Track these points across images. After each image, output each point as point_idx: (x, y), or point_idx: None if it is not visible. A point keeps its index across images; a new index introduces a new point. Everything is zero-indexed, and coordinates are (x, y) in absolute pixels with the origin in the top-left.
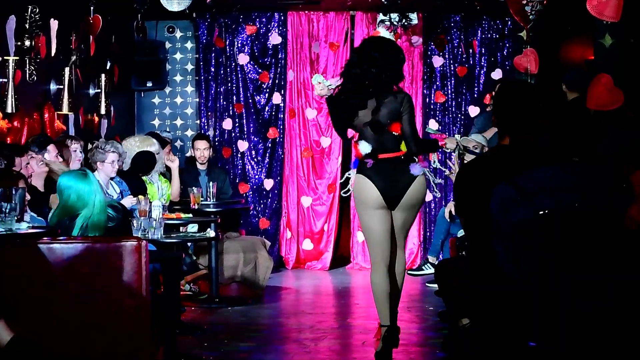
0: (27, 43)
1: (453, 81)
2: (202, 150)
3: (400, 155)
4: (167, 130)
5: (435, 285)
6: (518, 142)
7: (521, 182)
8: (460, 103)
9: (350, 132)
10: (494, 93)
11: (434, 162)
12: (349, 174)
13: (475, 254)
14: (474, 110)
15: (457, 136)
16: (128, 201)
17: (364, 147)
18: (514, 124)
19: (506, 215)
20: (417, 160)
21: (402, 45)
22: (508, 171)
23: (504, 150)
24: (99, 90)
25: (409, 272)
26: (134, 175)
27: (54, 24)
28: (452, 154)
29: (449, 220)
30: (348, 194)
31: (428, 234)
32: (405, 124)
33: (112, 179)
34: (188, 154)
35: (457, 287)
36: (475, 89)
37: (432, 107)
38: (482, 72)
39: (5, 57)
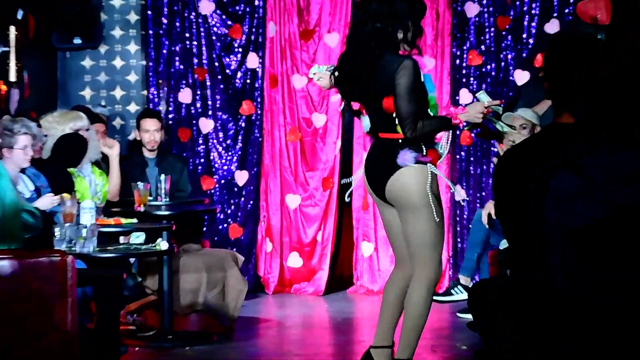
0: None
1: (493, 36)
2: (151, 133)
3: (398, 139)
4: (102, 103)
5: (469, 316)
6: (581, 119)
7: (591, 169)
8: (503, 66)
9: (357, 105)
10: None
11: (441, 147)
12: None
13: (524, 271)
14: (521, 77)
15: (483, 95)
16: (47, 201)
17: (364, 123)
18: (571, 97)
19: (568, 213)
20: (412, 148)
21: None
22: (568, 158)
23: (561, 130)
24: (7, 49)
25: (434, 297)
26: (56, 166)
27: None
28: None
29: (487, 226)
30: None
31: (459, 245)
32: (396, 98)
33: (23, 170)
34: (131, 137)
35: (498, 317)
36: (524, 46)
37: (464, 71)
38: (532, 23)
39: None
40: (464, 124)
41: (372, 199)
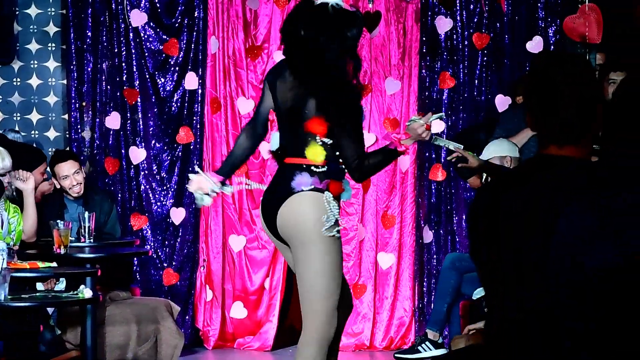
0: None
1: (467, 55)
2: (71, 178)
3: (303, 164)
4: (16, 129)
5: None
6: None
7: (612, 205)
8: (481, 90)
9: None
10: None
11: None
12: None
13: (508, 331)
14: (502, 102)
15: (433, 116)
16: None
17: (273, 141)
18: (559, 126)
19: (580, 257)
20: (306, 171)
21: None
22: (569, 194)
23: (551, 163)
24: None
25: (396, 354)
26: None
27: None
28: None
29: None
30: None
31: (426, 295)
32: (340, 134)
33: None
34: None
35: None
36: (504, 68)
37: (434, 95)
38: (514, 41)
39: None
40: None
41: (270, 239)
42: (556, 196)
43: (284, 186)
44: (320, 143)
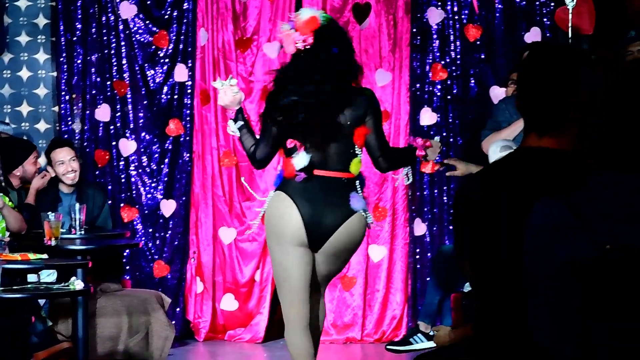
0: None
1: (459, 47)
2: (67, 163)
3: (343, 178)
4: (7, 121)
5: None
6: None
7: (581, 202)
8: (472, 82)
9: (291, 142)
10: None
11: (407, 178)
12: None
13: (491, 323)
14: (496, 94)
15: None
16: None
17: (301, 160)
18: (546, 113)
19: (550, 251)
20: (359, 189)
21: None
22: (540, 187)
23: (533, 156)
24: None
25: (388, 346)
26: None
27: None
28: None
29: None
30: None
31: (418, 286)
32: (372, 130)
33: None
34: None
35: None
36: (498, 59)
37: (425, 88)
38: (508, 33)
39: None
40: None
41: (287, 238)
42: (531, 190)
43: (338, 203)
44: (359, 153)
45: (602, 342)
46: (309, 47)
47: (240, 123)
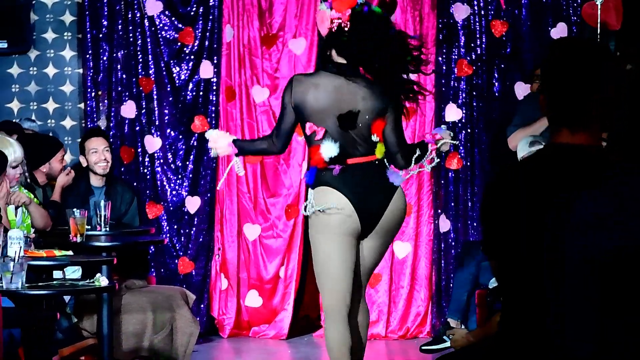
0: None
1: (485, 43)
2: (100, 152)
3: (374, 160)
4: (33, 118)
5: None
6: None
7: (625, 195)
8: (500, 78)
9: (310, 128)
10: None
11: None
12: (310, 202)
13: (516, 320)
14: (523, 90)
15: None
16: None
17: (329, 149)
18: (576, 109)
19: (594, 243)
20: (388, 165)
21: None
22: (578, 183)
23: (566, 153)
24: None
25: (423, 346)
26: None
27: None
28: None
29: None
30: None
31: (443, 282)
32: (392, 125)
33: None
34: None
35: None
36: (524, 55)
37: (452, 84)
38: (534, 28)
39: None
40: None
41: (334, 228)
42: (572, 185)
43: (380, 184)
44: (378, 141)
45: (618, 338)
46: (345, 26)
47: (237, 155)
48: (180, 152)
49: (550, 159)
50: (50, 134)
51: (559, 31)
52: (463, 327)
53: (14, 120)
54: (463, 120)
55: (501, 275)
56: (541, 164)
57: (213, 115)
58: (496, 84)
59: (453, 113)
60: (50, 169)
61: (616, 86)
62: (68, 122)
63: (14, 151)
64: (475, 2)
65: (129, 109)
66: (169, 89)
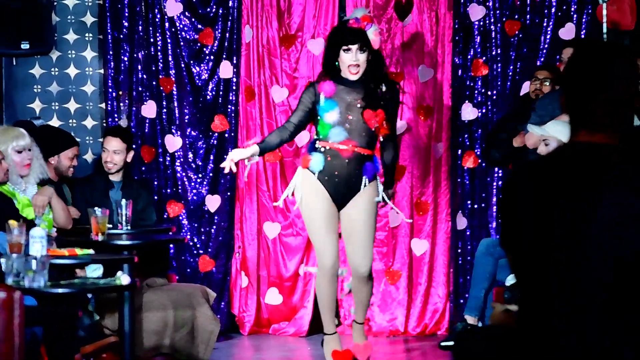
0: None
1: (500, 43)
2: (109, 153)
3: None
4: (55, 118)
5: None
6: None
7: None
8: (514, 77)
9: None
10: (561, 61)
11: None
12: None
13: (533, 316)
14: None
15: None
16: None
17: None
18: (596, 110)
19: (622, 240)
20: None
21: None
22: (590, 181)
23: (586, 150)
24: None
25: (442, 342)
26: None
27: None
28: None
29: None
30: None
31: (460, 280)
32: (392, 118)
33: None
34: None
35: None
36: (538, 54)
37: (468, 83)
38: (547, 28)
39: None
40: None
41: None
42: (596, 183)
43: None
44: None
45: (621, 339)
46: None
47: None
48: (201, 152)
49: (569, 157)
50: (72, 134)
51: (566, 31)
52: (480, 324)
53: (30, 120)
54: (478, 120)
55: (519, 271)
56: (560, 161)
57: (233, 114)
58: (511, 83)
59: (469, 112)
60: (58, 162)
61: (627, 85)
62: (89, 122)
63: (18, 135)
64: (490, 3)
65: (149, 109)
66: (189, 88)
